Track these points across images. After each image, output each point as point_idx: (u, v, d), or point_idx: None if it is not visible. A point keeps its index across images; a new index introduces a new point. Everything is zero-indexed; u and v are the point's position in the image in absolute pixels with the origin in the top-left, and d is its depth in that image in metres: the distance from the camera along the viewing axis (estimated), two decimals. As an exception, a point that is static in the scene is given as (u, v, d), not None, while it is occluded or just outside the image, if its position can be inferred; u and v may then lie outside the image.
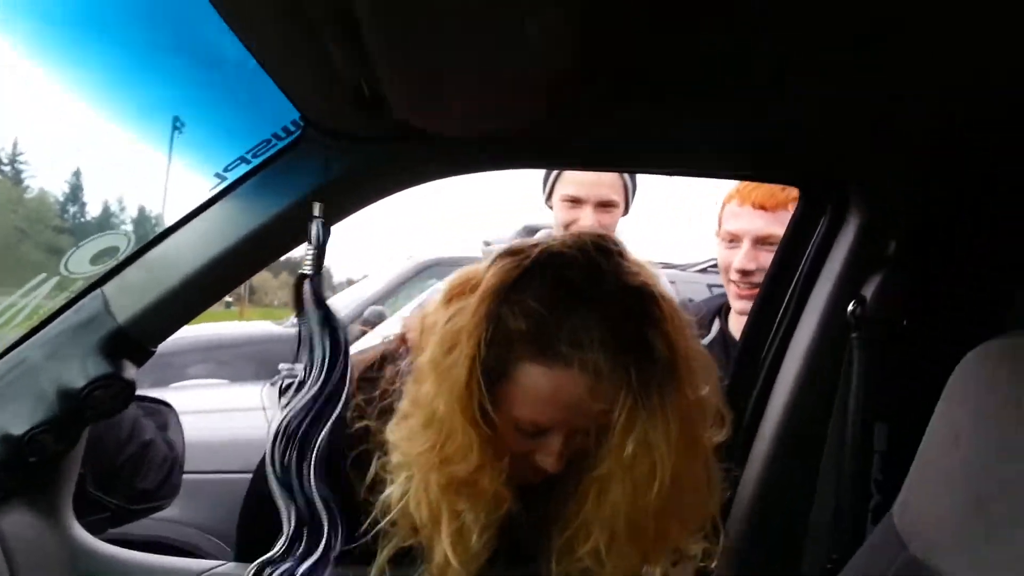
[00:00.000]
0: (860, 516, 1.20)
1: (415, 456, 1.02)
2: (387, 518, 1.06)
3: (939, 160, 1.17)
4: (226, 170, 1.08)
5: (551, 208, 2.10)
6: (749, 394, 1.34)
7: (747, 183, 1.74)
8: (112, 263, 1.09)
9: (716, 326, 1.82)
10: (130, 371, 1.09)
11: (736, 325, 1.78)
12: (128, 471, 1.40)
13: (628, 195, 2.08)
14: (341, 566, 1.04)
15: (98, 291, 1.09)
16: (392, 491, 1.06)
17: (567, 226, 1.99)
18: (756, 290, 1.64)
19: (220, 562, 1.19)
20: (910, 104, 1.08)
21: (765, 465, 1.28)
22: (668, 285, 1.10)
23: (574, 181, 2.01)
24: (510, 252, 1.03)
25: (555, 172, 2.06)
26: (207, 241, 1.08)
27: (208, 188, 1.09)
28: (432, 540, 1.04)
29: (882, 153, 1.18)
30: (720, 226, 1.82)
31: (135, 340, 1.09)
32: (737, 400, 1.32)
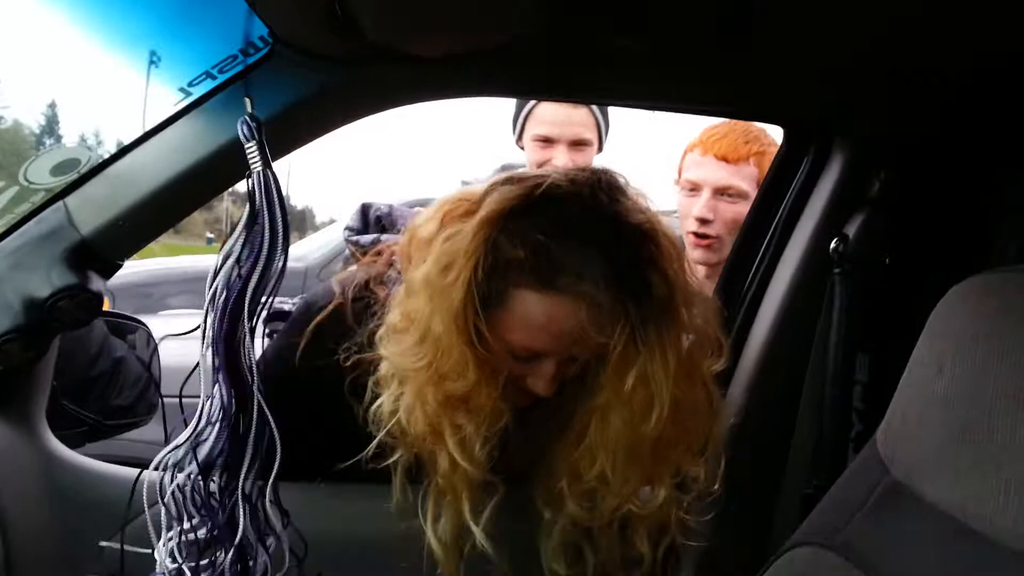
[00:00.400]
0: (841, 444, 1.25)
1: (410, 371, 1.03)
2: (382, 431, 1.06)
3: (924, 100, 1.19)
4: (191, 84, 1.06)
5: (522, 148, 2.07)
6: (729, 327, 1.36)
7: (711, 132, 1.76)
8: (74, 175, 1.09)
9: None
10: (96, 283, 1.09)
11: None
12: (101, 386, 1.42)
13: (601, 133, 2.05)
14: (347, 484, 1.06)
15: (60, 203, 1.09)
16: (384, 401, 1.07)
17: (540, 166, 1.95)
18: (712, 241, 1.72)
19: None
20: (895, 42, 1.08)
21: (744, 395, 1.31)
22: (672, 223, 1.12)
23: (545, 120, 1.97)
24: (513, 180, 1.03)
25: (525, 111, 2.03)
26: (172, 157, 1.07)
27: (172, 103, 1.07)
28: (435, 452, 1.05)
29: (867, 92, 1.19)
30: (680, 175, 1.83)
31: (99, 253, 1.09)
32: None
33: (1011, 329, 0.83)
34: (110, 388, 1.45)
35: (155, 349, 1.55)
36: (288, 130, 1.10)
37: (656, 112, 1.27)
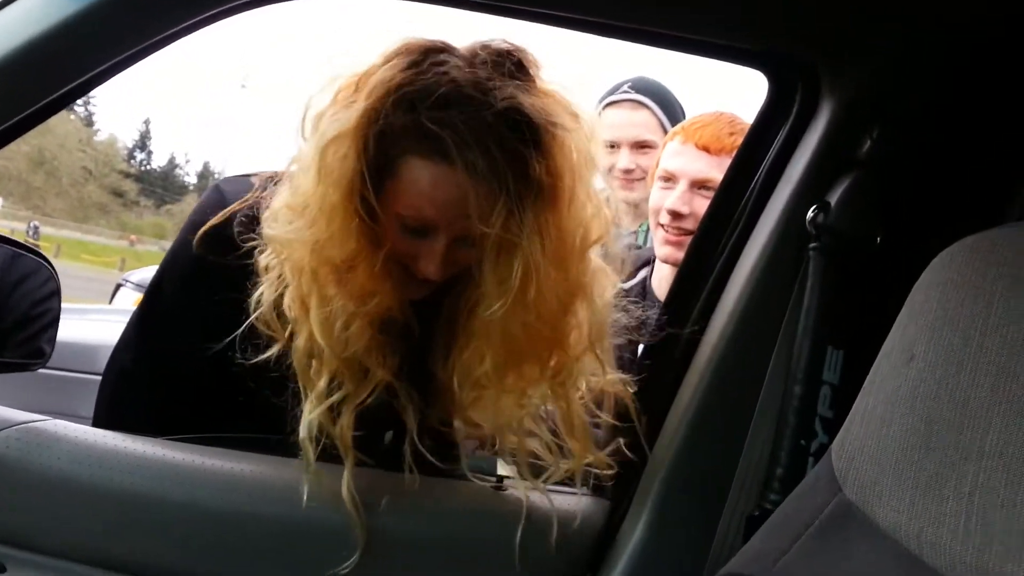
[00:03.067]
0: (799, 457, 1.02)
1: (290, 243, 1.01)
2: (254, 316, 1.04)
3: (936, 54, 0.97)
4: None
5: None
6: (688, 315, 1.15)
7: (695, 120, 1.70)
8: None
9: (641, 274, 1.77)
10: None
11: (659, 276, 1.72)
12: None
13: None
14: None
15: None
16: (263, 290, 1.05)
17: (607, 171, 1.93)
18: (685, 237, 1.60)
19: (42, 416, 1.09)
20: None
21: (696, 395, 1.10)
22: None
23: (608, 124, 1.99)
24: (406, 51, 1.00)
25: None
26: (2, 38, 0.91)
27: None
28: (299, 329, 1.03)
29: (866, 26, 0.99)
30: (658, 164, 1.74)
31: None
32: (674, 322, 1.15)
33: (1001, 296, 0.62)
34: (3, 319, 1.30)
35: (57, 290, 1.40)
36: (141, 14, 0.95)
37: (613, 39, 1.08)
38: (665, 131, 2.03)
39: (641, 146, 2.03)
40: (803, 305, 1.05)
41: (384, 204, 1.00)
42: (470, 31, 1.09)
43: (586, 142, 1.02)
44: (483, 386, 1.06)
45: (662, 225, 1.66)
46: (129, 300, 5.17)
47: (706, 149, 1.62)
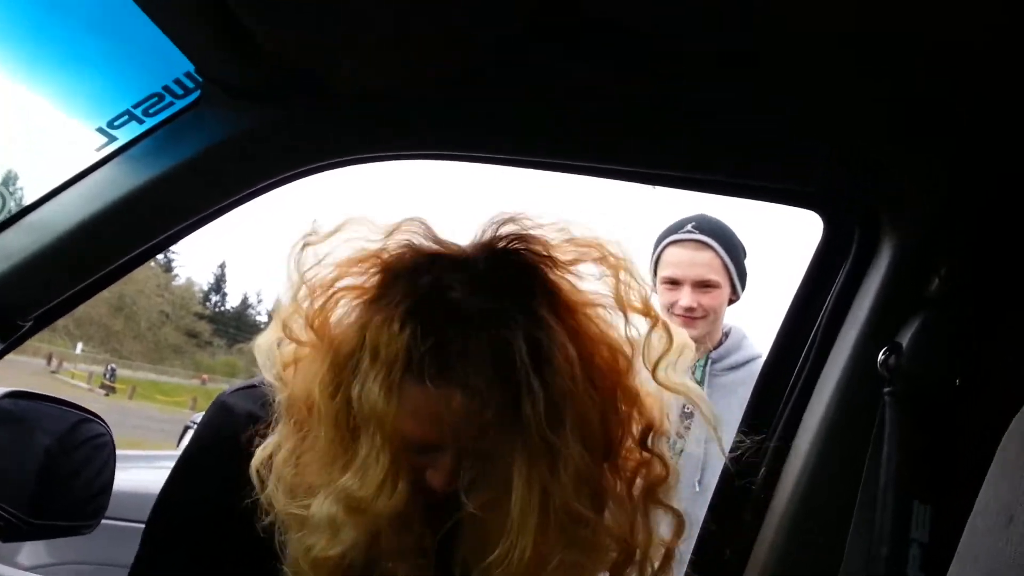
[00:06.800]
0: (892, 626, 0.93)
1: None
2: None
3: (994, 170, 0.95)
4: (112, 125, 0.99)
5: (657, 294, 2.14)
6: (757, 466, 1.08)
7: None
8: None
9: None
10: None
11: None
12: (44, 481, 1.24)
13: (732, 277, 2.11)
14: None
15: None
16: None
17: (669, 308, 2.07)
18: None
19: None
20: (954, 98, 0.87)
21: (771, 551, 1.02)
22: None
23: (671, 262, 2.10)
24: (406, 255, 0.95)
25: (655, 256, 2.15)
26: (87, 202, 0.97)
27: (93, 145, 1.00)
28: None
29: (922, 162, 0.96)
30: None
31: None
32: (743, 473, 1.09)
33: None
34: (55, 485, 1.31)
35: (113, 454, 1.41)
36: (218, 177, 1.00)
37: (664, 188, 1.08)
38: (728, 271, 2.08)
39: (704, 285, 2.05)
40: (882, 454, 0.98)
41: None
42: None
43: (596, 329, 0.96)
44: None
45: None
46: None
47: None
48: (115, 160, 1.01)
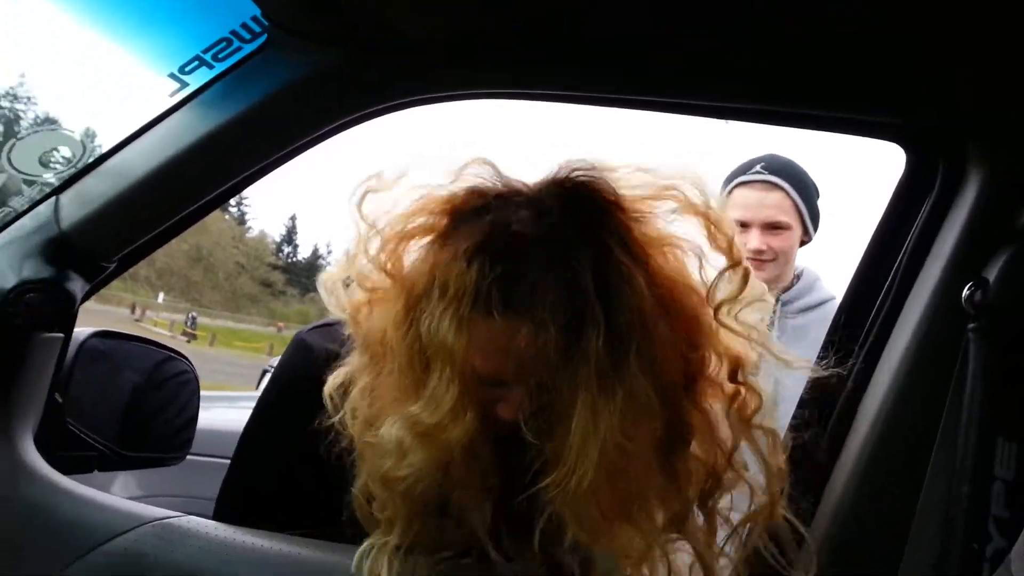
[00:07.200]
0: (972, 564, 0.91)
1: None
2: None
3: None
4: (183, 71, 1.01)
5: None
6: (833, 402, 1.07)
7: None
8: (71, 170, 1.06)
9: None
10: (74, 282, 1.05)
11: None
12: (135, 416, 1.33)
13: (803, 218, 2.02)
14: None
15: (53, 198, 1.06)
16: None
17: None
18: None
19: (176, 513, 1.09)
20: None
21: (847, 498, 1.00)
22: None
23: (738, 204, 2.02)
24: (472, 195, 0.95)
25: (723, 196, 2.02)
26: (162, 147, 1.01)
27: (166, 91, 1.02)
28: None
29: (1011, 92, 0.91)
30: None
31: (80, 249, 1.05)
32: (817, 409, 1.07)
33: None
34: (144, 419, 1.38)
35: (197, 391, 1.48)
36: (287, 120, 1.02)
37: (733, 122, 1.05)
38: (799, 213, 2.01)
39: (774, 227, 1.98)
40: (964, 391, 0.95)
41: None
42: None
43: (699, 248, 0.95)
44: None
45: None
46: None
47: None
48: (188, 105, 1.03)
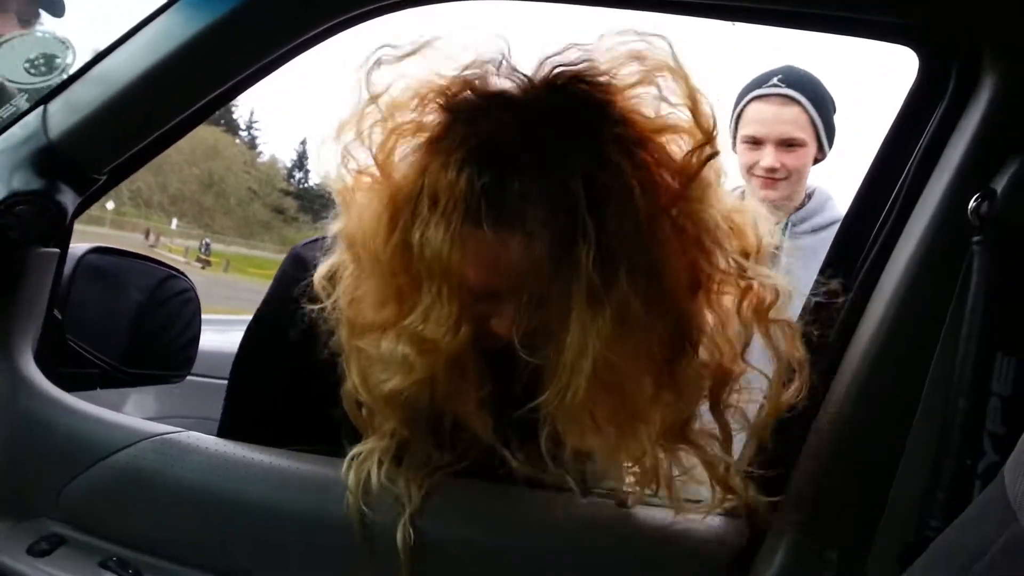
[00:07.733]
0: (966, 478, 0.91)
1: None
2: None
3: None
4: None
5: (736, 154, 2.05)
6: (835, 314, 1.05)
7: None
8: (58, 77, 1.06)
9: None
10: (65, 195, 1.05)
11: None
12: (138, 333, 1.34)
13: (819, 134, 1.98)
14: None
15: (41, 107, 1.04)
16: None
17: (749, 168, 1.98)
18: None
19: (175, 429, 1.11)
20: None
21: (844, 408, 1.00)
22: None
23: (752, 119, 1.99)
24: (461, 102, 0.92)
25: (736, 113, 2.04)
26: (148, 52, 0.99)
27: None
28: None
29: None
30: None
31: (69, 160, 1.04)
32: (819, 321, 1.06)
33: None
34: (147, 337, 1.38)
35: (198, 310, 1.48)
36: (276, 20, 0.99)
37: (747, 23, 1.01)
38: (815, 128, 1.95)
39: (789, 144, 1.94)
40: (966, 305, 0.93)
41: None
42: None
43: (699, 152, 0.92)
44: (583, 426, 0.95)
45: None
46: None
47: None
48: (175, 7, 1.00)
